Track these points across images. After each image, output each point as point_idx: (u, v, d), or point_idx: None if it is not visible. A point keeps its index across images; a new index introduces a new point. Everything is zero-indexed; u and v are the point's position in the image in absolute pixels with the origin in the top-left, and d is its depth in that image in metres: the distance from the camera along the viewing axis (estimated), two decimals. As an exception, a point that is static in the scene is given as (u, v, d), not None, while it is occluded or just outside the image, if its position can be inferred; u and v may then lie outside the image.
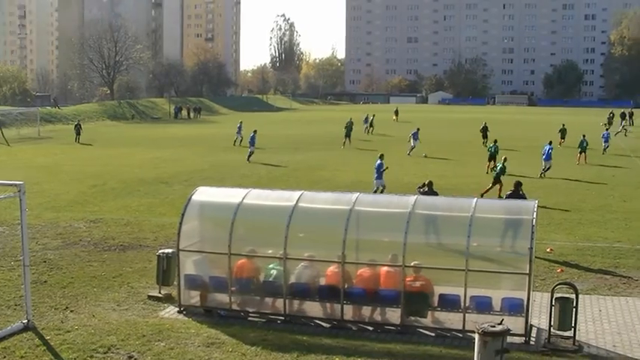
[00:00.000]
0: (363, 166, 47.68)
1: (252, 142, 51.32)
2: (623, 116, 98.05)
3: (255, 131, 53.05)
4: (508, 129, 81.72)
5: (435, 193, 25.36)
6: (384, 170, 34.63)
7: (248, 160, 50.25)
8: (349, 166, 47.83)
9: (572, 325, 15.72)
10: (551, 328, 15.88)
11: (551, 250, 24.24)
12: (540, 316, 17.19)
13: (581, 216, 31.07)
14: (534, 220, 16.40)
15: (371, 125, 79.18)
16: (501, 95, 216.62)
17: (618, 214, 31.75)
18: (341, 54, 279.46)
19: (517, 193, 25.07)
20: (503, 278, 16.96)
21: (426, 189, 26.20)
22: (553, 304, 15.82)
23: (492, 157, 45.49)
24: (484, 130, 64.16)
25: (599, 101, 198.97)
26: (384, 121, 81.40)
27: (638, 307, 18.57)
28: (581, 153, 50.62)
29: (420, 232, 17.85)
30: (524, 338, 15.94)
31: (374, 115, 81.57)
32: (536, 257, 17.66)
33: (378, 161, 34.85)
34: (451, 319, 16.72)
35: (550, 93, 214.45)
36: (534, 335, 16.46)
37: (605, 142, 58.97)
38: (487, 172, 43.86)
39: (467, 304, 16.31)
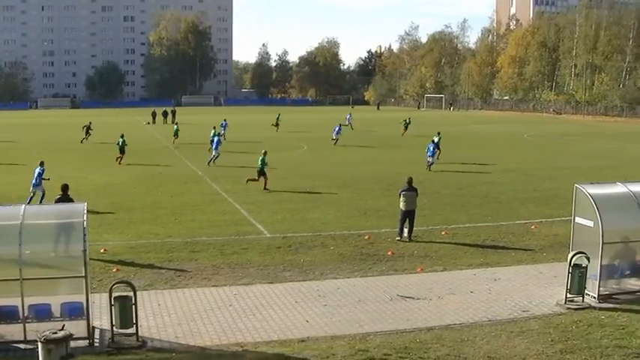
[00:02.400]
0: None
1: None
2: (165, 114, 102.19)
3: None
4: (51, 133, 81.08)
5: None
6: (44, 178, 32.83)
7: None
8: None
9: (134, 321, 16.02)
10: (114, 328, 16.02)
11: (105, 250, 24.37)
12: (102, 317, 17.18)
13: (132, 215, 31.62)
14: (85, 222, 16.44)
15: None
16: (44, 99, 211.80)
17: (167, 210, 32.79)
18: None
19: (66, 197, 24.68)
20: (61, 283, 16.70)
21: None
22: (112, 303, 15.98)
23: (122, 150, 50.65)
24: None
25: (142, 101, 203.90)
26: None
27: (195, 298, 19.44)
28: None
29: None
30: (87, 341, 15.92)
31: None
32: (91, 259, 17.75)
33: (39, 168, 33.01)
34: (11, 331, 16.10)
35: (93, 95, 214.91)
36: (98, 337, 16.48)
37: (336, 134, 66.84)
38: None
39: (26, 314, 15.87)
